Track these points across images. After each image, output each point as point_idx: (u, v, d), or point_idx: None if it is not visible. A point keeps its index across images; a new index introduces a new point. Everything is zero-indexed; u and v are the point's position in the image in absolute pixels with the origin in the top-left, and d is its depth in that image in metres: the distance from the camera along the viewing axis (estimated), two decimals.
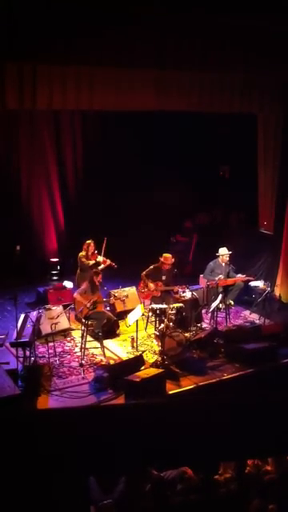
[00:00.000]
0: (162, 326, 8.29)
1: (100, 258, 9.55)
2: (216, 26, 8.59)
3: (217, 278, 9.45)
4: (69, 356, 8.32)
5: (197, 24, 8.48)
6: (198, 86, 9.59)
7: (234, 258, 9.95)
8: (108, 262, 9.54)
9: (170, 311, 8.49)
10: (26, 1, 7.39)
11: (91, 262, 9.47)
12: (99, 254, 9.61)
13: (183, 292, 9.26)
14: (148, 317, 9.21)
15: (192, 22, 8.45)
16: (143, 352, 8.36)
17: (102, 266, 9.45)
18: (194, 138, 12.37)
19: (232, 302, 9.82)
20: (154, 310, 8.80)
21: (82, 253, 9.60)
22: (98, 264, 9.45)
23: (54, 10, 7.51)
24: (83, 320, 8.24)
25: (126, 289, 9.70)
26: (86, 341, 8.23)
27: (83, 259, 9.54)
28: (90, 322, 8.24)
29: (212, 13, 8.12)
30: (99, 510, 4.56)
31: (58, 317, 8.52)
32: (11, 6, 7.27)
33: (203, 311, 9.59)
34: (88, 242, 9.64)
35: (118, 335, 9.04)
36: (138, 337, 8.61)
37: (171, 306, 8.64)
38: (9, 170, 11.40)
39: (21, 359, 7.49)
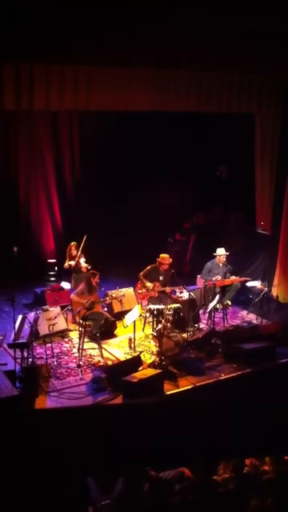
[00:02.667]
0: (160, 326, 8.28)
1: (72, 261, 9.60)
2: (215, 25, 8.58)
3: (214, 279, 9.45)
4: (66, 357, 8.31)
5: (196, 24, 8.46)
6: (197, 86, 9.59)
7: (231, 258, 9.95)
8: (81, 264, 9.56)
9: (167, 312, 8.50)
10: (25, 0, 7.38)
11: (72, 263, 9.61)
12: (77, 250, 9.66)
13: (180, 292, 9.26)
14: (145, 317, 9.20)
15: (192, 22, 8.43)
16: (141, 352, 8.35)
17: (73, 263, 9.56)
18: (192, 138, 12.36)
19: (229, 303, 9.82)
20: (151, 311, 8.80)
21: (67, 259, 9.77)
22: (74, 262, 9.55)
23: (52, 9, 7.48)
24: (81, 321, 8.24)
25: (124, 289, 9.65)
26: (83, 342, 8.24)
27: (65, 263, 9.75)
28: (87, 323, 8.24)
29: (212, 13, 8.11)
30: (98, 510, 4.56)
31: (55, 318, 8.52)
32: (9, 5, 7.26)
33: (201, 311, 9.59)
34: (71, 244, 9.78)
35: (115, 336, 9.05)
36: (135, 337, 8.62)
37: (169, 306, 8.65)
38: (6, 170, 11.38)
39: (18, 360, 7.47)
